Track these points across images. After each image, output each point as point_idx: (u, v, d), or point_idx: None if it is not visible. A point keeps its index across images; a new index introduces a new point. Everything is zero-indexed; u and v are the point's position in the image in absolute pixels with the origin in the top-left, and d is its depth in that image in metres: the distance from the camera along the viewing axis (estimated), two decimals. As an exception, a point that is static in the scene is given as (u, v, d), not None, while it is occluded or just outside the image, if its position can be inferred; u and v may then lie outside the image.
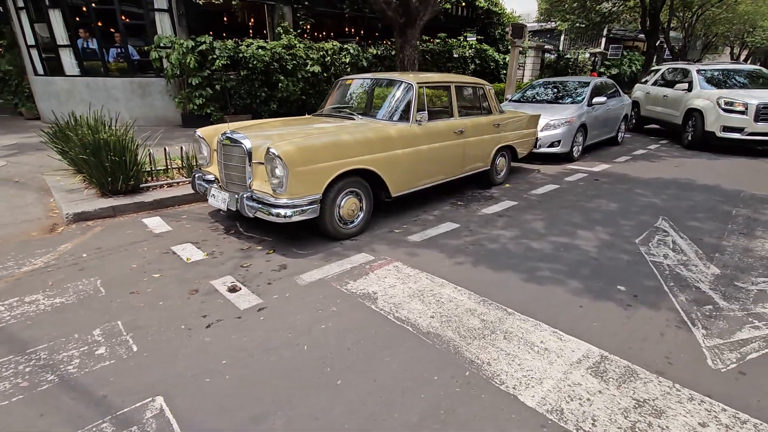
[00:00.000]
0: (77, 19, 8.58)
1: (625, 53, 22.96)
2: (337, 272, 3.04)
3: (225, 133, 3.54)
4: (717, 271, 3.11)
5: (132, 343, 2.23)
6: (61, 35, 8.58)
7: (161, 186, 4.72)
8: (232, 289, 2.78)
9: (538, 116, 6.26)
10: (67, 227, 3.87)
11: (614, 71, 20.58)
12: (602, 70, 20.45)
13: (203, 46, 8.51)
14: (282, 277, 2.97)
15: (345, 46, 10.96)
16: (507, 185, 5.62)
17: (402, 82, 4.24)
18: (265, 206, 3.15)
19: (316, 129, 3.73)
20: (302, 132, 3.57)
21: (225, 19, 11.37)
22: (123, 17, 8.89)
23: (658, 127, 10.26)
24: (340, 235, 3.61)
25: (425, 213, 4.41)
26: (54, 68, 8.91)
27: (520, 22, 14.69)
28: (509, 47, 12.34)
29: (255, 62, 9.11)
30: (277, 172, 3.10)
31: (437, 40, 12.75)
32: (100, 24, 8.85)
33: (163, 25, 8.81)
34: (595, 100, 7.35)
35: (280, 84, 9.59)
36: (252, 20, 11.34)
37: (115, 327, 2.37)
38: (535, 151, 6.64)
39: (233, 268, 3.10)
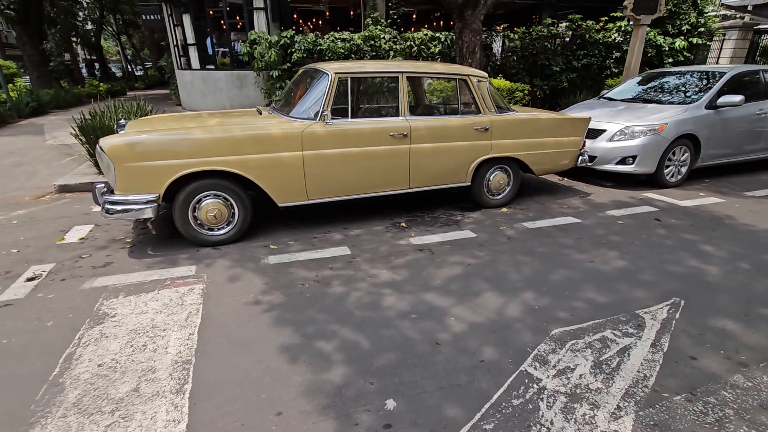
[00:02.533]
0: (199, 20, 10.15)
1: None
2: (135, 282, 2.76)
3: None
4: None
5: None
6: (190, 36, 10.29)
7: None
8: (32, 278, 2.81)
9: (586, 120, 4.50)
10: (51, 196, 4.60)
11: None
12: None
13: (284, 40, 9.02)
14: (89, 275, 2.85)
15: (437, 35, 10.13)
16: (504, 210, 4.24)
17: (321, 71, 3.55)
18: (106, 201, 3.06)
19: (192, 124, 3.39)
20: (166, 127, 3.30)
21: (327, 14, 11.83)
22: (235, 17, 10.12)
23: None
24: (201, 241, 3.28)
25: (336, 231, 3.65)
26: (185, 63, 10.79)
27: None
28: (630, 27, 9.41)
29: (330, 55, 9.21)
30: (108, 166, 2.97)
31: (539, 27, 10.59)
32: (223, 23, 10.30)
33: (259, 22, 9.66)
34: (725, 99, 4.90)
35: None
36: (351, 13, 11.50)
37: None
38: (598, 167, 4.86)
39: (75, 256, 3.14)
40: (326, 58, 9.27)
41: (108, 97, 12.34)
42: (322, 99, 3.38)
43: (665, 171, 4.95)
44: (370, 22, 10.29)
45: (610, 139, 4.87)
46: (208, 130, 3.15)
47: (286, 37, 9.12)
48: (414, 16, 13.19)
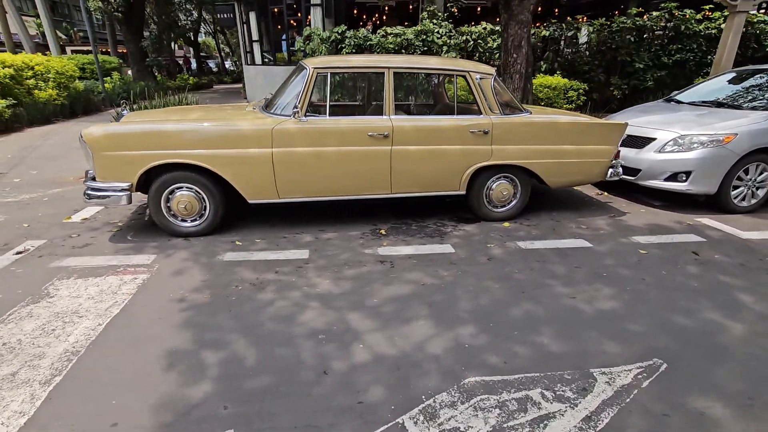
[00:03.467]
0: (262, 18, 10.65)
1: None
2: (94, 265, 2.89)
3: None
4: None
5: None
6: (254, 32, 10.85)
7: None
8: (20, 252, 3.09)
9: (619, 126, 3.79)
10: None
11: None
12: None
13: (334, 36, 9.08)
14: (63, 255, 3.05)
15: (497, 28, 9.45)
16: (506, 224, 3.75)
17: (303, 66, 3.41)
18: (87, 187, 3.25)
19: (176, 117, 3.46)
20: (152, 119, 3.39)
21: (386, 8, 11.65)
22: (297, 14, 10.44)
23: None
24: (172, 232, 3.36)
25: (309, 232, 3.50)
26: (250, 59, 11.43)
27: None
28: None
29: (379, 50, 9.07)
30: (88, 155, 3.14)
31: (622, 18, 9.23)
32: (289, 21, 10.71)
33: (316, 18, 9.85)
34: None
35: (405, 72, 9.24)
36: (410, 7, 11.20)
37: None
38: (642, 183, 4.12)
39: (67, 235, 3.40)
40: (376, 53, 9.17)
41: (187, 90, 13.55)
42: (299, 95, 3.26)
43: (732, 192, 4.00)
44: (426, 16, 9.95)
45: (660, 150, 4.06)
46: (182, 123, 3.20)
47: (336, 32, 9.18)
48: (478, 10, 12.49)
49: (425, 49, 9.26)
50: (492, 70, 3.60)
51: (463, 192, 3.65)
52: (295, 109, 3.22)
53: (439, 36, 9.27)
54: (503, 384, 1.84)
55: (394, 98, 3.44)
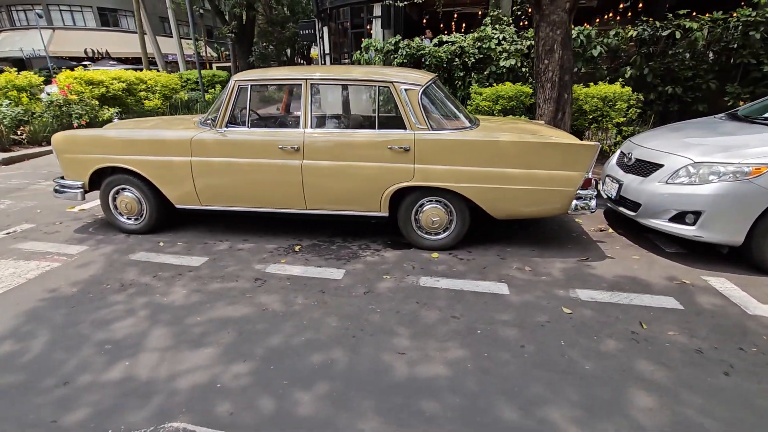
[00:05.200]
0: (334, 33, 11.19)
1: None
2: (32, 250, 3.37)
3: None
4: None
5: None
6: (327, 46, 11.49)
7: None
8: (8, 233, 3.78)
9: (585, 147, 2.98)
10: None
11: None
12: None
13: (387, 46, 9.08)
14: (28, 239, 3.63)
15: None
16: (434, 255, 3.26)
17: (231, 78, 3.46)
18: (55, 183, 3.80)
19: (128, 126, 3.82)
20: (114, 127, 3.81)
21: (455, 16, 11.11)
22: (366, 26, 10.74)
23: None
24: (118, 228, 3.74)
25: (232, 241, 3.54)
26: (324, 70, 12.14)
27: None
28: None
29: (429, 60, 8.76)
30: (55, 155, 3.68)
31: (747, 10, 7.17)
32: (363, 33, 11.11)
33: (376, 30, 10.00)
34: None
35: (457, 82, 8.77)
36: (479, 13, 10.53)
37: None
38: (642, 221, 3.26)
39: (54, 222, 4.04)
40: (426, 63, 8.90)
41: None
42: (222, 105, 3.35)
43: (751, 242, 2.84)
44: (489, 21, 9.31)
45: (668, 180, 3.10)
46: (120, 131, 3.55)
47: (390, 43, 9.17)
48: None
49: (481, 56, 8.66)
50: (424, 80, 3.19)
51: (386, 214, 3.30)
52: (211, 120, 3.32)
53: (498, 42, 8.58)
54: (199, 438, 1.61)
55: (313, 110, 3.29)
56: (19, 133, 7.36)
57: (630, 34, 8.17)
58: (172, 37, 20.21)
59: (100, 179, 3.63)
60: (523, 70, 8.52)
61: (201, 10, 21.22)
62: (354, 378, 1.94)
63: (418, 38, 9.23)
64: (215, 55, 35.45)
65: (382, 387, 1.89)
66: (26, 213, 4.31)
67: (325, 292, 2.73)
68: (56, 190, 3.70)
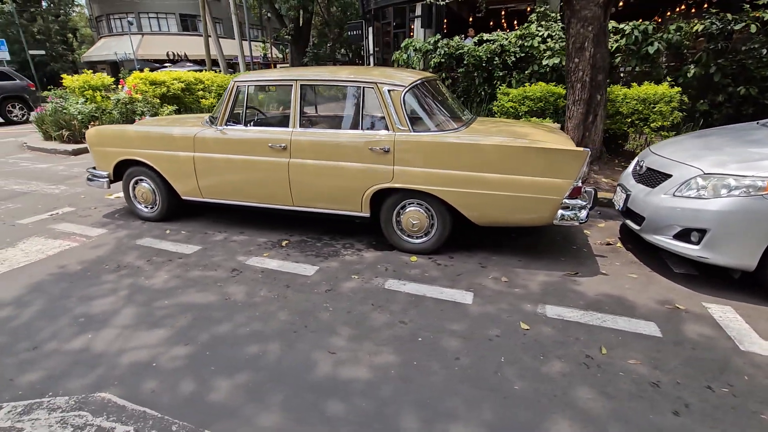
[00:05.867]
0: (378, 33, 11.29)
1: None
2: (63, 231, 3.82)
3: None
4: None
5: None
6: (371, 46, 11.64)
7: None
8: (51, 214, 4.32)
9: (573, 153, 2.76)
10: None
11: None
12: None
13: (424, 45, 8.99)
14: (63, 220, 4.13)
15: (621, 26, 7.69)
16: (413, 258, 3.21)
17: (231, 80, 3.65)
18: (88, 172, 4.27)
19: (150, 123, 4.18)
20: (141, 124, 4.19)
21: (503, 13, 10.62)
22: (411, 26, 10.72)
23: None
24: (137, 215, 4.12)
25: (229, 233, 3.75)
26: (369, 70, 12.30)
27: None
28: None
29: (468, 59, 8.53)
30: (89, 148, 4.14)
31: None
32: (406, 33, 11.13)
33: (418, 29, 9.94)
34: None
35: (496, 82, 8.46)
36: (528, 9, 10.02)
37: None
38: (646, 237, 3.03)
39: (89, 207, 4.55)
40: (464, 62, 8.69)
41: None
42: (222, 105, 3.56)
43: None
44: (535, 18, 8.88)
45: (675, 192, 2.79)
46: (138, 127, 3.90)
47: (428, 42, 9.07)
48: (621, 4, 10.25)
49: (522, 55, 8.28)
50: (409, 81, 3.14)
51: (367, 215, 3.31)
52: (215, 118, 3.54)
53: (542, 39, 8.16)
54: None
55: (302, 110, 3.39)
56: (89, 127, 8.33)
57: (695, 28, 7.38)
58: (246, 40, 21.70)
59: (123, 170, 4.04)
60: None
61: (268, 14, 22.44)
62: (277, 372, 1.99)
63: (457, 37, 9.04)
64: (281, 56, 37.32)
65: (300, 383, 1.92)
66: (73, 198, 4.90)
67: (290, 287, 2.81)
68: (88, 179, 4.17)
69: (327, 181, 3.29)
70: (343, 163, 3.21)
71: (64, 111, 8.30)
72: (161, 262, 3.18)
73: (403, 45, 9.64)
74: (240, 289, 2.77)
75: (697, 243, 2.63)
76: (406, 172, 3.08)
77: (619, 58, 7.27)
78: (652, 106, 5.27)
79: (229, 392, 1.86)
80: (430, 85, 3.55)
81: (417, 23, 9.93)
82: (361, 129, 3.22)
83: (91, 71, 9.20)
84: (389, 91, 3.10)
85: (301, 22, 15.96)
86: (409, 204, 3.23)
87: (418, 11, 9.98)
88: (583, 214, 2.88)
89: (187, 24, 32.36)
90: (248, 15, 21.80)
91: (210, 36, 13.97)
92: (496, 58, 8.61)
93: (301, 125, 3.35)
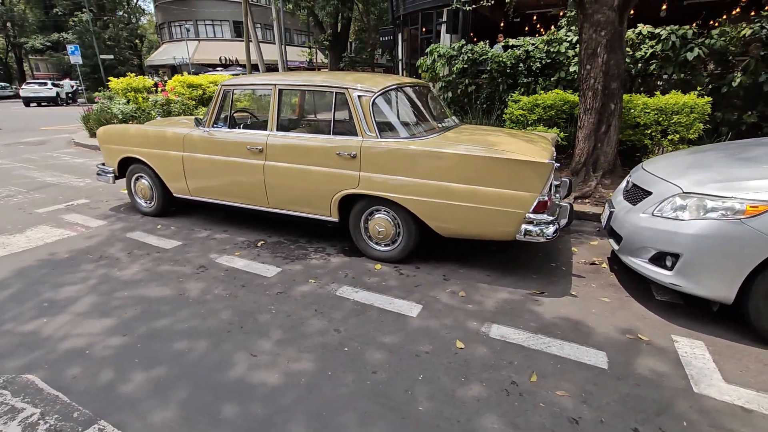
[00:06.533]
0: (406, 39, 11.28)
1: None
2: (69, 221, 4.13)
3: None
4: None
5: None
6: (401, 52, 11.66)
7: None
8: (68, 205, 4.68)
9: (536, 165, 2.59)
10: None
11: None
12: None
13: (447, 51, 8.86)
14: (74, 211, 4.46)
15: (658, 31, 7.17)
16: (377, 266, 3.16)
17: (219, 83, 3.78)
18: (98, 167, 4.58)
19: (157, 124, 4.41)
20: (147, 125, 4.44)
21: (534, 18, 10.19)
22: (439, 30, 10.63)
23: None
24: (140, 210, 4.37)
25: (214, 231, 3.88)
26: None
27: None
28: None
29: (490, 65, 8.31)
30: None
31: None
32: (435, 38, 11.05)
33: (444, 34, 9.83)
34: None
35: (521, 89, 8.17)
36: (561, 14, 9.56)
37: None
38: (623, 258, 2.85)
39: (102, 200, 4.88)
40: (488, 68, 8.48)
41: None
42: (209, 108, 3.71)
43: (761, 309, 2.14)
44: (565, 23, 8.52)
45: (654, 212, 2.55)
46: (138, 127, 4.14)
47: (452, 48, 8.94)
48: (663, 7, 9.53)
49: (549, 61, 7.96)
50: (379, 87, 3.10)
51: (336, 219, 3.30)
52: (203, 121, 3.69)
53: (570, 45, 7.80)
54: (33, 392, 1.86)
55: (280, 114, 3.44)
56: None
57: (743, 33, 6.78)
58: (295, 46, 22.52)
59: (128, 167, 4.31)
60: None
61: (313, 20, 23.12)
62: (193, 369, 2.03)
63: (482, 43, 8.85)
64: (326, 61, 38.29)
65: (208, 383, 1.94)
66: (92, 191, 5.29)
67: (246, 286, 2.86)
68: (97, 174, 4.49)
69: (298, 184, 3.32)
70: (313, 167, 3.23)
71: (108, 111, 9.02)
72: (139, 255, 3.35)
73: (427, 50, 9.57)
74: (197, 286, 2.85)
75: (671, 268, 2.38)
76: (371, 179, 3.04)
77: (654, 65, 6.80)
78: (671, 116, 4.86)
79: (139, 385, 1.92)
80: (411, 90, 3.49)
81: (444, 29, 9.82)
82: (332, 134, 3.22)
83: (148, 75, 9.91)
84: (359, 96, 3.08)
85: (339, 28, 16.35)
86: (376, 211, 3.19)
87: (444, 17, 9.87)
88: (551, 230, 2.70)
89: (240, 30, 34.05)
90: (296, 21, 22.59)
91: (251, 41, 14.59)
92: (521, 65, 8.35)
93: (278, 129, 3.41)
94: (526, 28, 12.25)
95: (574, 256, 3.38)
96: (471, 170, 2.76)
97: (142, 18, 44.95)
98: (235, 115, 3.79)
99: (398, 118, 3.19)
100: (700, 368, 2.04)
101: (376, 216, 3.19)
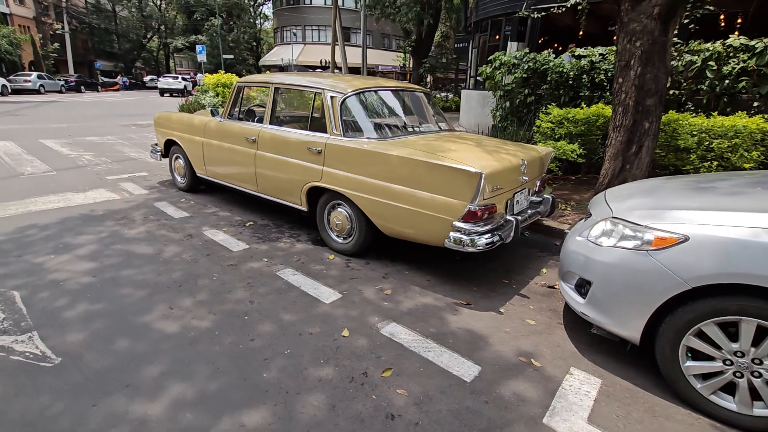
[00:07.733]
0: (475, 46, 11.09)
1: None
2: (121, 188, 5.01)
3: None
4: None
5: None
6: (470, 59, 11.53)
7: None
8: (130, 176, 5.67)
9: (465, 174, 2.55)
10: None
11: None
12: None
13: (507, 60, 8.58)
14: (129, 180, 5.38)
15: (752, 43, 6.16)
16: (331, 257, 3.35)
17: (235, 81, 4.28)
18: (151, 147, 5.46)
19: (199, 113, 5.12)
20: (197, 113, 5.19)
21: (612, 26, 9.19)
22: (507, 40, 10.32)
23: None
24: (176, 185, 5.13)
25: (235, 213, 4.42)
26: (472, 85, 12.17)
27: None
28: None
29: (551, 75, 7.86)
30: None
31: None
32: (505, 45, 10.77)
33: (511, 43, 9.54)
34: None
35: (581, 102, 7.61)
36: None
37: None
38: (560, 286, 2.76)
39: (157, 173, 5.80)
40: (548, 78, 8.04)
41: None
42: (227, 101, 4.25)
43: (686, 364, 1.87)
44: (641, 33, 7.71)
45: (588, 235, 2.37)
46: (181, 115, 4.86)
47: (514, 57, 8.64)
48: (722, 18, 7.97)
49: (613, 73, 7.31)
50: (351, 89, 3.30)
51: (305, 209, 3.57)
52: (217, 111, 4.25)
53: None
54: None
55: (274, 110, 3.83)
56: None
57: None
58: (392, 51, 23.41)
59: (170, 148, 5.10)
60: (674, 92, 6.83)
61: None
62: (121, 310, 2.46)
63: (545, 51, 8.42)
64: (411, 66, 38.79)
65: (123, 321, 2.34)
66: (156, 167, 6.29)
67: (209, 256, 3.28)
68: (151, 152, 5.38)
69: (278, 173, 3.67)
70: (290, 159, 3.55)
71: (199, 102, 10.47)
72: (151, 220, 4.00)
73: (490, 58, 9.38)
74: (174, 249, 3.35)
75: (584, 296, 2.20)
76: (331, 174, 3.26)
77: (743, 82, 5.95)
78: (713, 140, 4.22)
79: (77, 313, 2.40)
80: (391, 94, 3.63)
81: (510, 36, 9.50)
82: (309, 130, 3.51)
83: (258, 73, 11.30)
84: (331, 97, 3.32)
85: (423, 35, 16.65)
86: (337, 205, 3.39)
87: (510, 24, 9.54)
88: (482, 241, 2.64)
89: (344, 35, 36.29)
90: (394, 27, 23.44)
91: (338, 44, 15.58)
92: (584, 76, 7.81)
93: (271, 122, 3.80)
94: (615, 38, 11.23)
95: (537, 276, 3.20)
96: (410, 173, 2.83)
97: (265, 23, 50.38)
98: (246, 108, 4.29)
99: (367, 119, 3.35)
100: (571, 403, 1.89)
101: (337, 209, 3.39)
